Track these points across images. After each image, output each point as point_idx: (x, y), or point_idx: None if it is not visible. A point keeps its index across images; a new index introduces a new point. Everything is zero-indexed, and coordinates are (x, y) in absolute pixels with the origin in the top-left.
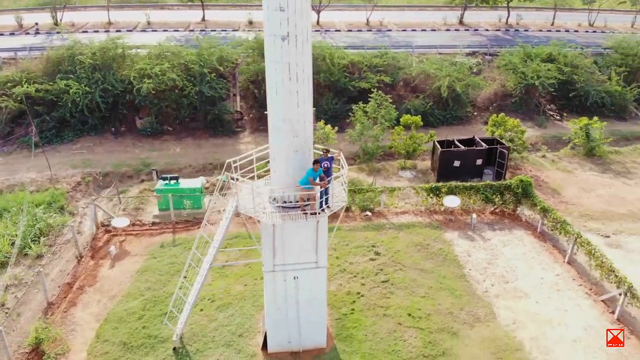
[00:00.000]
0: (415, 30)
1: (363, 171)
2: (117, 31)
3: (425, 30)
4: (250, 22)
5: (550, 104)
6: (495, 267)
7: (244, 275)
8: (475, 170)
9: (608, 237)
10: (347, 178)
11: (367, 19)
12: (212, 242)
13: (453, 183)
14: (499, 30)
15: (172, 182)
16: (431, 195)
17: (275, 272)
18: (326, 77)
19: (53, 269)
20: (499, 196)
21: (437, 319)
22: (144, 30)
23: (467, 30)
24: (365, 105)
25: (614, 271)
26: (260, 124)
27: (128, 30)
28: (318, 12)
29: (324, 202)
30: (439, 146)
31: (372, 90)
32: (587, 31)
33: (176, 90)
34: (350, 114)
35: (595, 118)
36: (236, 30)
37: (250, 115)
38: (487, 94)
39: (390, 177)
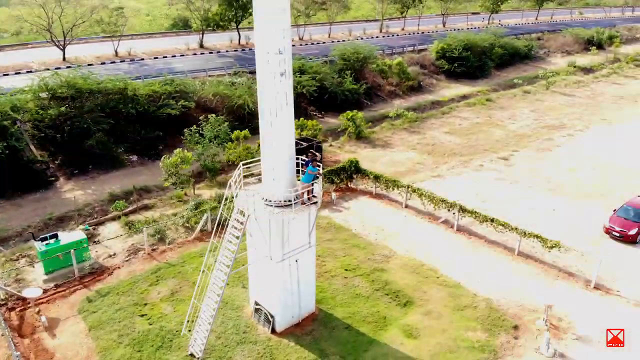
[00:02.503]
0: (166, 57)
1: (213, 187)
2: None
3: (175, 56)
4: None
5: (311, 105)
6: (367, 223)
7: None
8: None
9: (414, 183)
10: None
11: (116, 50)
12: (223, 258)
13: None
14: (236, 50)
15: (52, 240)
16: None
17: (284, 261)
18: (133, 108)
19: None
20: (337, 176)
21: (364, 265)
22: None
23: (211, 53)
24: (197, 128)
25: (444, 200)
26: (73, 168)
27: None
28: (63, 48)
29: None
30: None
31: (176, 114)
32: (301, 44)
33: None
34: (160, 142)
35: (355, 110)
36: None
37: (57, 162)
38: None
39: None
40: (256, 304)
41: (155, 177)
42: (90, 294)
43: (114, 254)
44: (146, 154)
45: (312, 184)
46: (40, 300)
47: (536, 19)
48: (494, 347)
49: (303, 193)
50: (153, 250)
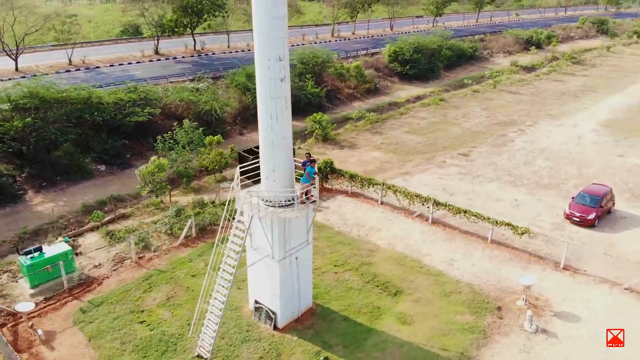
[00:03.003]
0: (122, 64)
1: (188, 193)
2: None
3: (131, 63)
4: None
5: None
6: (347, 221)
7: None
8: None
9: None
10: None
11: (70, 59)
12: (228, 259)
13: None
14: (193, 56)
15: (37, 254)
16: None
17: (285, 259)
18: (99, 116)
19: None
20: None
21: (352, 260)
22: None
23: (168, 59)
24: (170, 134)
25: (418, 195)
26: (42, 180)
27: None
28: (16, 58)
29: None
30: (248, 155)
31: (143, 122)
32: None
33: None
34: (127, 151)
35: (320, 113)
36: None
37: (24, 175)
38: (233, 110)
39: (213, 191)
40: (256, 302)
41: (127, 185)
42: (83, 304)
43: (99, 264)
44: (114, 162)
45: (311, 184)
46: (32, 315)
47: (476, 21)
48: (482, 328)
49: (302, 193)
50: (140, 258)
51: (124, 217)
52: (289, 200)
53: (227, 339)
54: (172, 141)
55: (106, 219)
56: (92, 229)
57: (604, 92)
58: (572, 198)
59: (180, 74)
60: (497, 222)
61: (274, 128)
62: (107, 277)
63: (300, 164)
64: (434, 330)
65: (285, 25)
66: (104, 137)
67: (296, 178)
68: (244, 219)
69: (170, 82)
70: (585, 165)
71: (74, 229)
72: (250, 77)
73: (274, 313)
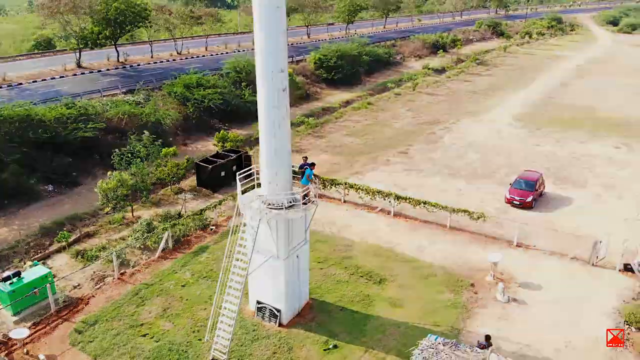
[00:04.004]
0: (45, 79)
1: (149, 207)
2: None
3: (54, 78)
4: None
5: (214, 118)
6: (318, 220)
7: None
8: (233, 175)
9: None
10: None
11: None
12: (238, 262)
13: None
14: (117, 68)
15: (16, 279)
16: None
17: (289, 257)
18: (44, 133)
19: None
20: None
21: (333, 256)
22: None
23: (92, 72)
24: (125, 149)
25: (380, 192)
26: None
27: None
28: None
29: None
30: (206, 165)
31: (88, 138)
32: (181, 59)
33: None
34: (73, 169)
35: None
36: None
37: None
38: (173, 121)
39: (176, 203)
40: (258, 302)
41: (80, 204)
42: (76, 325)
43: (79, 285)
44: (62, 182)
45: (308, 186)
46: (25, 341)
47: (384, 27)
48: (463, 303)
49: (303, 194)
50: (122, 274)
51: (88, 235)
52: (291, 202)
53: (236, 340)
54: (129, 155)
55: (72, 238)
56: (58, 250)
57: (509, 89)
58: (510, 184)
59: (113, 86)
60: (454, 210)
61: (277, 135)
62: (93, 296)
63: (297, 168)
64: (423, 310)
65: (285, 39)
66: (50, 156)
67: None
68: (252, 223)
69: (104, 96)
70: (510, 155)
71: (39, 252)
72: (189, 87)
73: (278, 310)
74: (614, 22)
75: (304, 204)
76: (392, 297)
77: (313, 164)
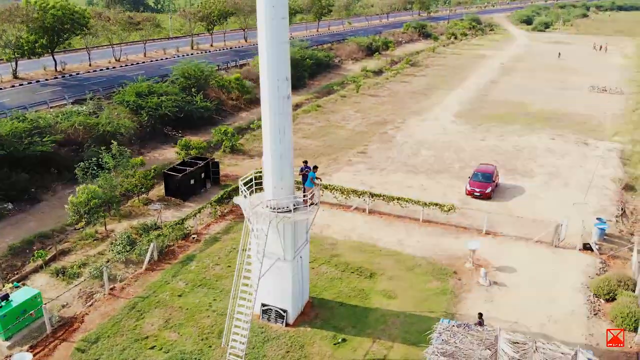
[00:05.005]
0: None
1: (120, 220)
2: None
3: None
4: None
5: (167, 126)
6: None
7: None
8: (202, 182)
9: None
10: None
11: None
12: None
13: (227, 189)
14: (56, 78)
15: (4, 302)
16: (221, 204)
17: (294, 259)
18: (1, 149)
19: None
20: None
21: (321, 255)
22: None
23: (30, 83)
24: (92, 161)
25: (354, 191)
26: None
27: None
28: None
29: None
30: (176, 174)
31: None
32: (121, 66)
33: None
34: (31, 184)
35: (226, 125)
36: None
37: None
38: (129, 132)
39: (147, 214)
40: (263, 305)
41: (45, 221)
42: (77, 344)
43: (67, 304)
44: (21, 198)
45: (312, 188)
46: None
47: (317, 30)
48: (450, 289)
49: (306, 197)
50: (112, 289)
51: (63, 253)
52: (294, 205)
53: (247, 343)
54: (95, 167)
55: (48, 257)
56: (35, 270)
57: (445, 88)
58: (469, 177)
59: (58, 97)
60: (426, 204)
61: (282, 141)
62: (87, 314)
63: (298, 172)
64: (416, 299)
65: (288, 48)
66: (7, 172)
67: None
68: (262, 228)
69: (51, 108)
70: (460, 151)
71: (15, 273)
72: (141, 95)
73: (284, 311)
74: (528, 21)
75: (312, 204)
76: (386, 289)
77: (315, 167)
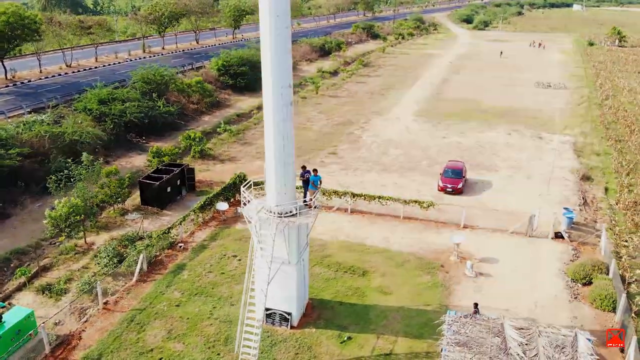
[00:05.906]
0: None
1: (98, 232)
2: None
3: None
4: None
5: (130, 132)
6: None
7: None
8: (178, 189)
9: None
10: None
11: None
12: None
13: (206, 196)
14: (8, 86)
15: None
16: (205, 210)
17: (299, 262)
18: None
19: None
20: (229, 192)
21: (312, 257)
22: None
23: None
24: (62, 173)
25: (335, 192)
26: None
27: None
28: None
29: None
30: (152, 182)
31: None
32: (73, 72)
33: None
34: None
35: (194, 130)
36: None
37: None
38: (94, 140)
39: (124, 225)
40: (267, 309)
41: (17, 237)
42: None
43: (60, 321)
44: None
45: (315, 192)
46: None
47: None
48: (441, 282)
49: (311, 200)
50: (105, 303)
51: (45, 268)
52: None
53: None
54: (67, 179)
55: (31, 273)
56: (18, 288)
57: (400, 88)
58: (440, 174)
59: (14, 106)
60: (406, 202)
61: (285, 148)
62: (83, 330)
63: (299, 176)
64: (411, 293)
65: (291, 57)
66: None
67: None
68: (269, 233)
69: (9, 118)
70: (426, 148)
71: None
72: (104, 101)
73: (289, 314)
74: (468, 20)
75: (315, 207)
76: (380, 286)
77: (315, 170)
